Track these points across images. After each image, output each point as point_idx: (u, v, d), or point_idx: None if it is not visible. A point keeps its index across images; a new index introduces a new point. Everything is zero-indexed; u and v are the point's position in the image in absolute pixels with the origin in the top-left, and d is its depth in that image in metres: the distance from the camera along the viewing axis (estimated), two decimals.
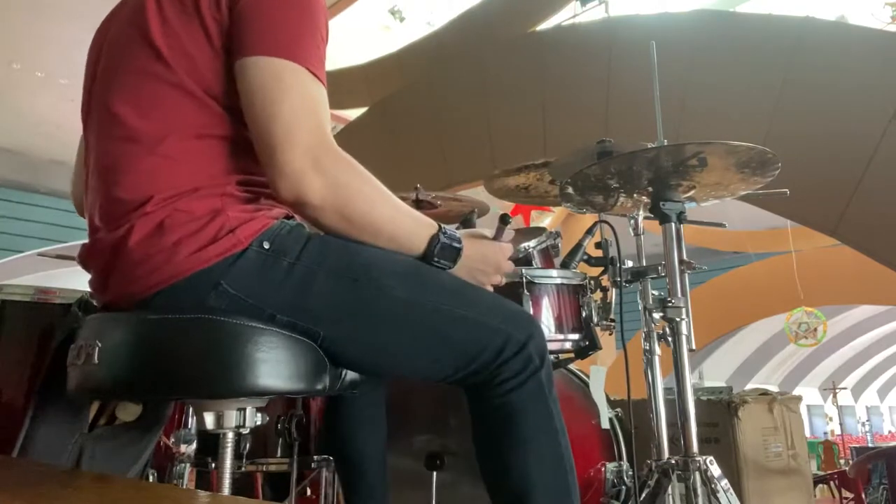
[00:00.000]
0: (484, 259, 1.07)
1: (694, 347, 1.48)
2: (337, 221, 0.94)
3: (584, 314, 1.62)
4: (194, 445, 1.71)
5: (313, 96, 0.94)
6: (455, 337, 0.98)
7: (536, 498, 0.95)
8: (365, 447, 1.30)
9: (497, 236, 1.11)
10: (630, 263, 1.66)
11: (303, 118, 0.91)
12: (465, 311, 0.98)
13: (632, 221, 1.72)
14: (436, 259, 1.01)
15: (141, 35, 0.99)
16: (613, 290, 1.67)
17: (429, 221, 1.02)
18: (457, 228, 1.08)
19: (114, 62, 1.03)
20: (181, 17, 0.97)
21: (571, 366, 1.90)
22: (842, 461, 7.44)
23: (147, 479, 1.46)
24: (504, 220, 1.11)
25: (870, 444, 10.03)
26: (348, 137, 5.33)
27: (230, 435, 1.07)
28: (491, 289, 1.11)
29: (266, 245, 0.93)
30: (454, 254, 1.02)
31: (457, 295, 1.00)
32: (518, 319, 1.01)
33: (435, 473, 1.67)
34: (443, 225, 1.03)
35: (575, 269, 1.71)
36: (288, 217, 1.00)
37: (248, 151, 0.96)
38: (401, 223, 0.99)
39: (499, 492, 0.99)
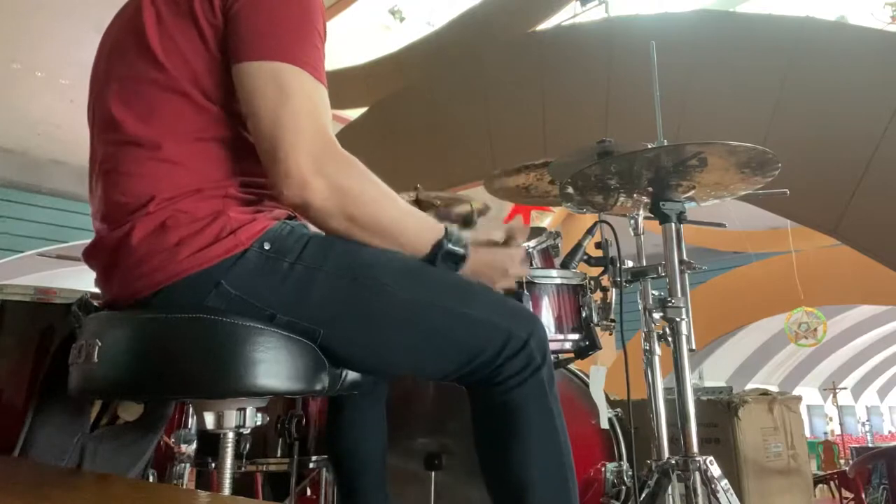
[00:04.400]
0: (490, 266, 1.08)
1: (694, 347, 1.48)
2: (342, 224, 0.94)
3: (584, 314, 1.62)
4: (194, 445, 1.71)
5: (314, 99, 0.93)
6: (456, 335, 0.98)
7: (535, 494, 0.95)
8: (366, 455, 1.29)
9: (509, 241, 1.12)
10: (630, 263, 1.66)
11: (304, 123, 0.91)
12: (467, 309, 0.98)
13: (632, 221, 1.72)
14: (438, 263, 1.00)
15: (138, 39, 0.99)
16: (613, 290, 1.67)
17: (435, 225, 1.02)
18: (458, 228, 1.08)
19: (113, 66, 1.04)
20: (176, 20, 0.97)
21: (571, 366, 1.90)
22: (842, 461, 7.44)
23: (147, 479, 1.46)
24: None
25: (870, 444, 10.00)
26: (348, 137, 5.33)
27: (230, 435, 1.07)
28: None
29: (267, 246, 0.93)
30: (458, 259, 1.02)
31: (458, 293, 1.00)
32: (519, 317, 1.01)
33: (433, 473, 1.67)
34: (449, 229, 1.02)
35: (575, 269, 1.71)
36: (290, 218, 1.00)
37: (249, 153, 0.96)
38: (406, 225, 0.99)
39: (498, 487, 0.99)
